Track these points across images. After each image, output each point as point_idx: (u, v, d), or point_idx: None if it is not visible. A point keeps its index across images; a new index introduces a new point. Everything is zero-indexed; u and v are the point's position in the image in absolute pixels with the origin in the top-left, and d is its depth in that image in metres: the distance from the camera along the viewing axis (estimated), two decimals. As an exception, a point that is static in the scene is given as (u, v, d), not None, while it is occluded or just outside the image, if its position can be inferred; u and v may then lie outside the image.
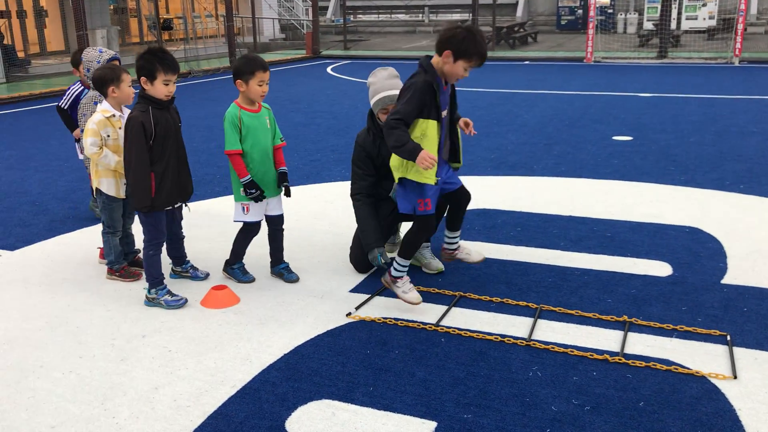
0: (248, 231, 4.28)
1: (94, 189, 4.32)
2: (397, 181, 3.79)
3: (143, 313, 3.90)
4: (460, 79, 3.71)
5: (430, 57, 3.68)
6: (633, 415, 2.85)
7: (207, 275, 4.39)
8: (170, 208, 4.06)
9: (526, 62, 18.44)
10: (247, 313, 3.87)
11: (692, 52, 19.36)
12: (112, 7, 23.14)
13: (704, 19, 24.85)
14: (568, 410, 2.90)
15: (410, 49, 23.44)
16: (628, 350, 3.38)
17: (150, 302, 4.00)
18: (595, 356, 3.31)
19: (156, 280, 3.99)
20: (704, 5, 25.13)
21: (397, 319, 3.74)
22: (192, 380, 3.19)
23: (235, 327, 3.71)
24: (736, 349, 3.36)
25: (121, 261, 4.42)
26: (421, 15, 33.44)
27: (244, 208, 4.15)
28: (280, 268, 4.34)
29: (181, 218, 4.32)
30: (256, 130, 4.05)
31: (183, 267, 4.40)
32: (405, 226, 4.99)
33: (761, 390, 3.01)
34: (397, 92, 4.13)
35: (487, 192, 6.21)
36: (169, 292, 4.01)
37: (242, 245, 4.32)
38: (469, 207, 5.70)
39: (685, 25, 24.84)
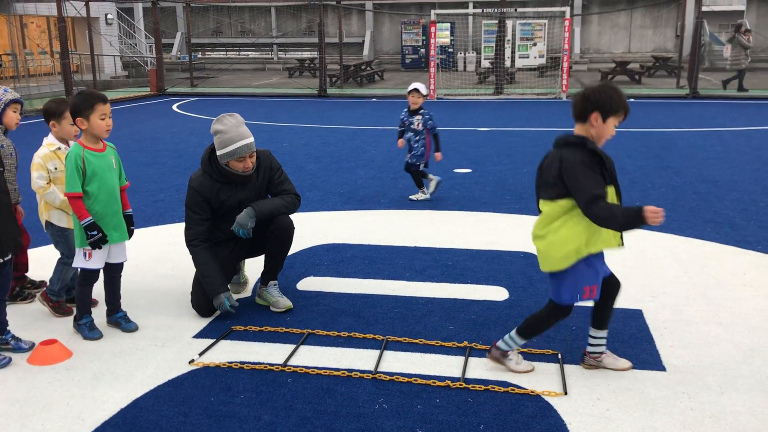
0: (89, 279, 4.02)
1: (44, 223, 4.24)
2: (562, 268, 3.25)
3: (-41, 376, 3.55)
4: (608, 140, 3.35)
5: (570, 135, 3.32)
6: (474, 439, 2.95)
7: (32, 346, 3.81)
8: None
9: (374, 99, 18.96)
10: (80, 368, 3.62)
11: (525, 88, 20.77)
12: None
13: (535, 57, 26.87)
14: (413, 440, 2.95)
15: (260, 86, 23.38)
16: (469, 375, 3.50)
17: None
18: (438, 383, 3.40)
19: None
20: (534, 45, 27.18)
21: (242, 363, 3.65)
22: (15, 447, 2.92)
23: (66, 384, 3.45)
24: (567, 366, 3.58)
25: (63, 295, 4.32)
26: (270, 53, 33.53)
27: (86, 254, 3.90)
28: (117, 317, 4.11)
29: (8, 276, 3.81)
30: (102, 170, 3.86)
31: (3, 338, 3.80)
32: (249, 263, 4.91)
33: (588, 403, 3.22)
34: (252, 139, 4.10)
35: (336, 226, 6.27)
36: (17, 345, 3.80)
37: (86, 296, 4.03)
38: (318, 242, 5.76)
39: (519, 63, 26.72)
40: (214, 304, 4.16)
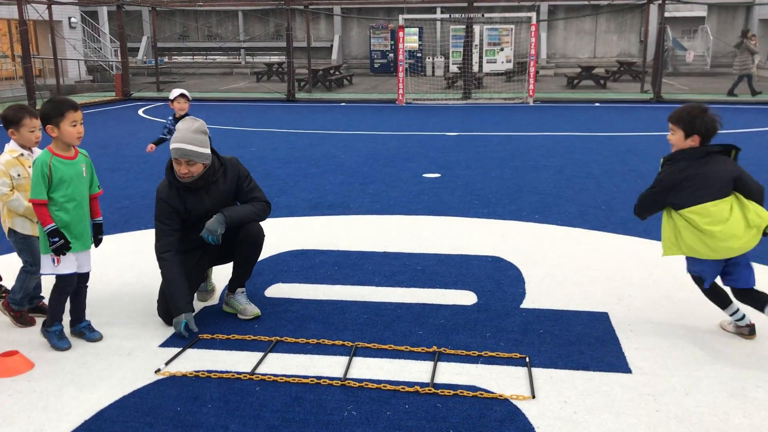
0: (63, 286, 3.88)
1: (6, 230, 4.16)
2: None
3: None
4: None
5: (715, 144, 3.79)
6: (443, 444, 2.95)
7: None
8: None
9: (343, 104, 18.94)
10: (42, 379, 3.55)
11: (493, 93, 20.93)
12: None
13: (502, 62, 27.13)
14: (382, 446, 2.94)
15: (228, 90, 23.21)
16: (437, 380, 3.51)
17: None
18: (407, 389, 3.40)
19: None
20: (502, 50, 27.44)
21: (210, 372, 3.61)
22: (-26, 462, 2.85)
23: (27, 396, 3.38)
24: (534, 370, 3.60)
25: (25, 305, 4.26)
26: (237, 57, 33.32)
27: (54, 260, 3.78)
28: (81, 327, 4.03)
29: None
30: (71, 178, 3.77)
31: None
32: (216, 270, 4.86)
33: (555, 407, 3.25)
34: (194, 148, 4.01)
35: (304, 232, 6.24)
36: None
37: (60, 304, 3.92)
38: (287, 248, 5.73)
39: (487, 68, 26.94)
40: (173, 324, 4.07)
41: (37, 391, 3.43)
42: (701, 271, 3.90)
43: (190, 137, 4.02)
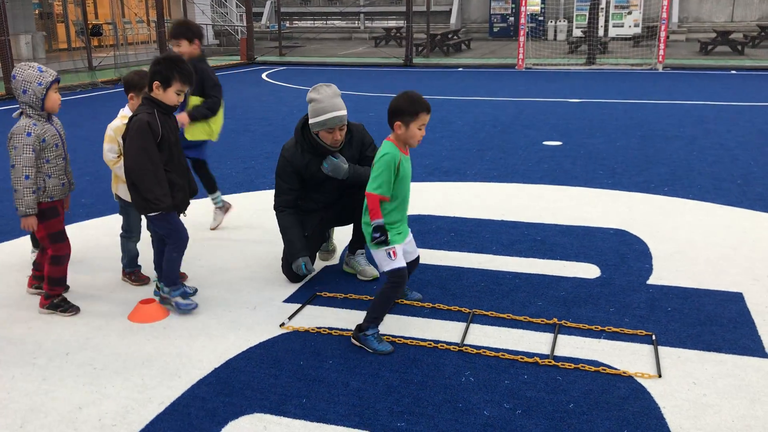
0: (399, 283, 3.51)
1: (114, 194, 4.34)
2: None
3: (66, 329, 3.76)
4: None
5: None
6: (563, 417, 2.90)
7: (195, 291, 4.15)
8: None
9: (460, 69, 18.69)
10: (176, 327, 3.78)
11: (619, 58, 19.98)
12: (37, 12, 22.36)
13: (630, 26, 25.74)
14: (500, 414, 2.92)
15: (346, 55, 23.45)
16: (557, 352, 3.44)
17: (162, 301, 3.97)
18: (526, 359, 3.36)
19: (173, 281, 3.92)
20: (630, 13, 26.03)
21: (331, 329, 3.71)
22: (118, 398, 3.08)
23: (163, 342, 3.61)
24: (661, 348, 3.46)
25: (134, 266, 4.40)
26: (356, 22, 33.52)
27: (390, 253, 3.48)
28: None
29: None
30: (405, 176, 3.55)
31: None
32: (337, 231, 4.96)
33: (683, 387, 3.11)
34: (344, 112, 4.10)
35: (421, 198, 6.24)
36: (184, 295, 3.95)
37: (389, 304, 3.58)
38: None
39: (612, 32, 25.65)
40: (293, 266, 4.23)
41: (171, 337, 3.65)
42: None
43: (337, 103, 4.10)
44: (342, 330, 3.69)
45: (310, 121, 4.15)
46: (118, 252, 4.45)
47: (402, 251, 3.56)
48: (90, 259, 4.80)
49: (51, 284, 3.96)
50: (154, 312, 3.88)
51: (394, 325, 3.77)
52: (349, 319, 3.84)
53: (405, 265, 3.55)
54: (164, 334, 3.69)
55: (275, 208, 4.35)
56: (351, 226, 4.55)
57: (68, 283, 4.16)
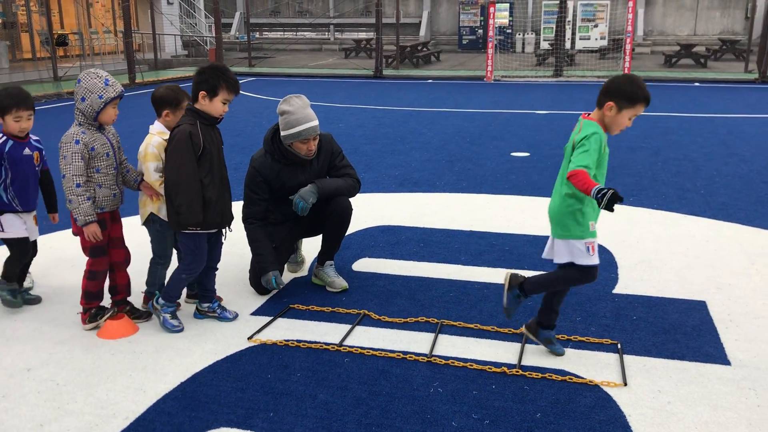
0: (587, 280, 3.39)
1: (145, 217, 3.95)
2: None
3: (28, 344, 3.68)
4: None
5: None
6: (530, 427, 2.92)
7: (236, 316, 3.98)
8: (213, 232, 3.84)
9: (430, 81, 18.81)
10: (142, 341, 3.72)
11: (586, 70, 20.29)
12: (0, 21, 22.00)
13: (596, 39, 26.16)
14: (468, 425, 2.93)
15: (316, 66, 23.47)
16: (525, 362, 3.46)
17: (153, 310, 3.89)
18: (494, 369, 3.37)
19: (172, 297, 3.83)
20: (596, 26, 26.47)
21: (299, 341, 3.69)
22: (81, 414, 3.02)
23: (129, 356, 3.55)
24: (627, 357, 3.50)
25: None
26: (326, 33, 33.58)
27: (589, 248, 3.29)
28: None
29: (222, 245, 3.99)
30: (604, 161, 3.38)
31: (210, 306, 3.97)
32: (306, 243, 4.95)
33: (648, 396, 3.15)
34: (316, 122, 4.13)
35: (391, 208, 6.26)
36: (174, 315, 3.85)
37: (564, 291, 3.53)
38: (374, 224, 5.76)
39: (579, 45, 26.06)
40: (262, 281, 4.20)
41: (137, 352, 3.60)
42: None
43: (309, 114, 4.12)
44: (310, 343, 3.68)
45: (283, 133, 4.14)
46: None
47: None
48: (57, 272, 4.72)
49: (87, 299, 3.85)
50: (122, 327, 3.82)
51: (363, 336, 3.76)
52: (317, 331, 3.82)
53: (599, 264, 3.34)
54: (130, 348, 3.64)
55: (244, 219, 4.32)
56: (320, 237, 4.54)
57: (39, 295, 4.13)
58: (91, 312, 3.87)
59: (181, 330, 3.82)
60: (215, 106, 3.67)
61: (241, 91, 3.88)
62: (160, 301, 3.85)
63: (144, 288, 4.12)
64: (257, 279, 4.30)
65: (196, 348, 3.64)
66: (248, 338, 3.74)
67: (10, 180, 4.02)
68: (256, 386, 3.25)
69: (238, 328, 3.88)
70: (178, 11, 26.69)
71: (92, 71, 3.70)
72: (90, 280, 3.84)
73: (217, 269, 4.03)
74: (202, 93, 3.64)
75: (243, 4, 28.24)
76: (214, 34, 23.03)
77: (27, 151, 4.06)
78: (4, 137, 4.01)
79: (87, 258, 3.84)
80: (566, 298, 4.21)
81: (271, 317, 3.99)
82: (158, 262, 4.06)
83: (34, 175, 4.15)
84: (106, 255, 3.85)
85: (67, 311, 4.09)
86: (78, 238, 3.84)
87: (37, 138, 4.20)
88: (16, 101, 3.92)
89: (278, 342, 3.69)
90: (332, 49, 31.25)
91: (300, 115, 4.09)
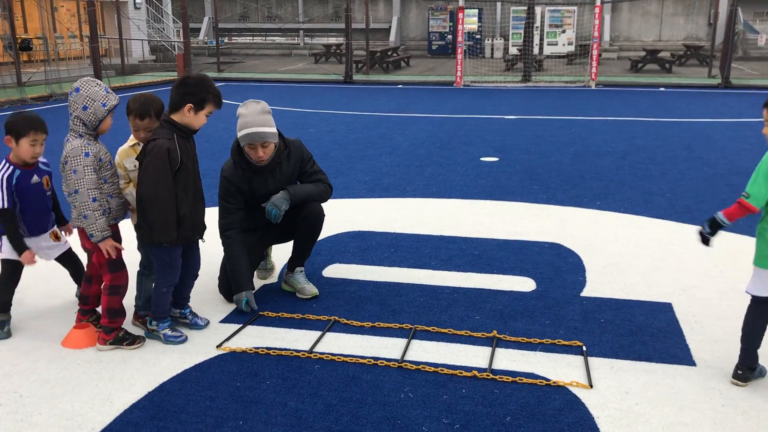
0: None
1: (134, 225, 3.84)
2: None
3: (-9, 356, 3.60)
4: None
5: None
6: (500, 431, 2.93)
7: (207, 323, 3.94)
8: (187, 243, 3.75)
9: (400, 86, 18.87)
10: (109, 351, 3.66)
11: (553, 76, 20.52)
12: (-38, 26, 21.55)
13: (564, 45, 26.50)
14: (439, 430, 2.93)
15: (286, 71, 23.38)
16: (495, 366, 3.48)
17: (148, 333, 3.78)
18: (465, 373, 3.38)
19: (161, 315, 3.74)
20: (563, 32, 26.81)
21: (269, 349, 3.67)
22: (45, 426, 2.96)
23: (95, 366, 3.49)
24: (595, 359, 3.54)
25: (149, 308, 3.85)
26: (296, 38, 33.50)
27: None
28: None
29: (199, 251, 3.93)
30: None
31: (182, 312, 3.92)
32: (276, 249, 4.92)
33: (616, 397, 3.19)
34: (267, 129, 4.03)
35: (361, 214, 6.25)
36: (171, 327, 3.77)
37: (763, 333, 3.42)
38: (344, 229, 5.76)
39: (547, 50, 26.37)
40: (234, 299, 4.16)
41: (103, 361, 3.54)
42: None
43: (260, 119, 4.04)
44: (280, 349, 3.65)
45: (237, 135, 4.11)
46: (56, 275, 4.28)
47: None
48: (22, 282, 4.61)
49: (111, 316, 3.66)
50: (87, 337, 3.75)
51: (333, 342, 3.75)
52: (288, 338, 3.80)
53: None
54: (96, 358, 3.58)
55: (222, 232, 4.22)
56: (290, 244, 4.52)
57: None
58: (118, 335, 3.68)
59: (185, 339, 3.76)
60: (199, 119, 3.63)
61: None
62: (153, 323, 3.77)
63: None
64: (227, 285, 4.26)
65: (163, 357, 3.59)
66: (217, 346, 3.70)
67: (19, 209, 3.79)
68: (226, 395, 3.22)
69: (206, 336, 3.84)
70: (145, 16, 26.42)
71: (89, 79, 3.61)
72: (112, 295, 3.67)
73: (197, 276, 3.97)
74: (188, 106, 3.58)
75: (211, 8, 28.04)
76: (182, 39, 22.83)
77: (35, 178, 3.80)
78: (11, 167, 3.74)
79: (106, 274, 3.68)
80: (535, 302, 4.26)
81: (241, 324, 3.96)
82: (143, 273, 3.97)
83: (45, 200, 3.90)
84: (125, 267, 3.74)
85: (35, 321, 4.01)
86: (84, 252, 3.70)
87: (45, 161, 3.93)
88: (35, 125, 3.71)
89: (248, 350, 3.66)
90: (302, 54, 31.18)
91: (250, 119, 4.03)
